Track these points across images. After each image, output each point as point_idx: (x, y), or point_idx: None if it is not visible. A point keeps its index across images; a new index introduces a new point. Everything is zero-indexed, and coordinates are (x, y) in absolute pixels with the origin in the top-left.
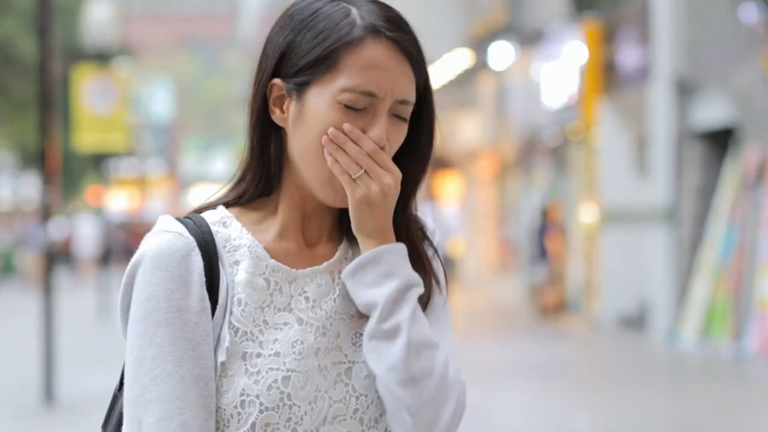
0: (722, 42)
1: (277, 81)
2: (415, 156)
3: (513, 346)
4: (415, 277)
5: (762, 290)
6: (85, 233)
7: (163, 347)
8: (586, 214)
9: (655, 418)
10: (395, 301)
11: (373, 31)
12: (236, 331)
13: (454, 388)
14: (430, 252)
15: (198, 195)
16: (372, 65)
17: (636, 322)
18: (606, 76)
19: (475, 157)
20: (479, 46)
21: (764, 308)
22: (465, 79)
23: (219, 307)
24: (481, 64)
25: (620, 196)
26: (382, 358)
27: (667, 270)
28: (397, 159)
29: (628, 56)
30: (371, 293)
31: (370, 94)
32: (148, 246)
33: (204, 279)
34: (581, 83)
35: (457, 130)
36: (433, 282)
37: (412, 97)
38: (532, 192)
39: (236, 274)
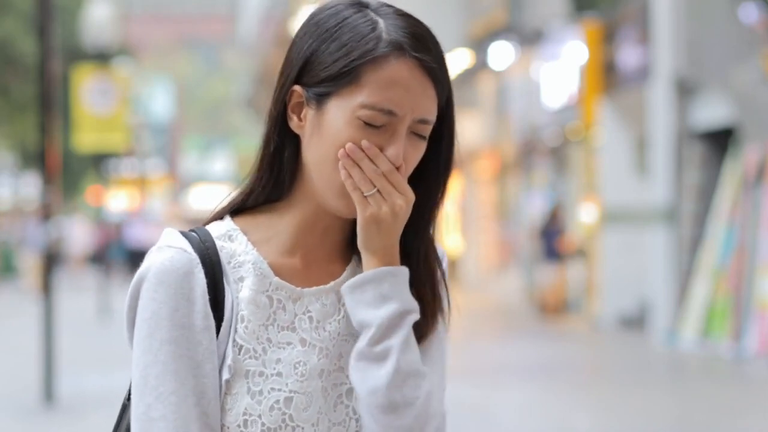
0: (722, 42)
1: (297, 88)
2: (434, 173)
3: (513, 346)
4: (413, 303)
5: (762, 290)
6: (76, 233)
7: (167, 365)
8: (586, 214)
9: (655, 418)
10: (389, 326)
11: (398, 48)
12: (240, 349)
13: (432, 420)
14: (443, 292)
15: (198, 195)
16: (394, 84)
17: (636, 322)
18: (606, 76)
19: (475, 157)
20: (479, 46)
21: (764, 308)
22: (465, 79)
23: (225, 323)
24: (481, 64)
25: (620, 196)
26: (366, 381)
27: (667, 270)
28: (416, 176)
29: (628, 56)
30: (367, 313)
31: (390, 113)
32: (152, 261)
33: (207, 296)
34: (581, 83)
35: (457, 130)
36: (438, 312)
37: (432, 116)
38: (532, 192)
39: (240, 290)
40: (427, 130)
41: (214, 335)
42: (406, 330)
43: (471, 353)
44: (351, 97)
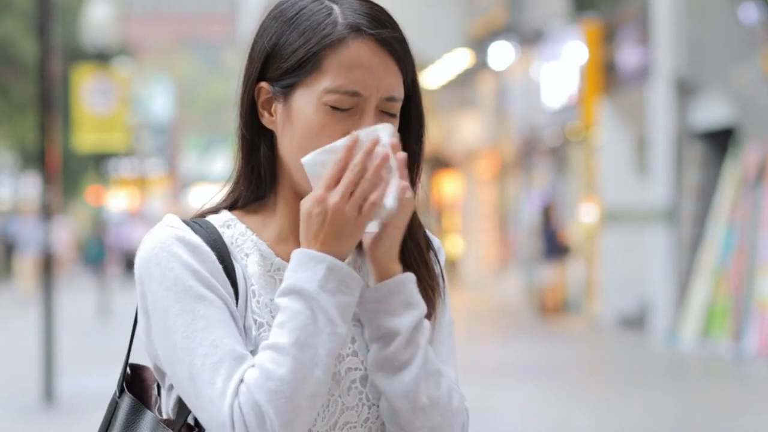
0: (722, 42)
1: (263, 84)
2: (406, 151)
3: (513, 346)
4: (424, 303)
5: (762, 290)
6: (59, 235)
7: (209, 317)
8: (586, 214)
9: (655, 418)
10: (415, 330)
11: (355, 29)
12: (255, 322)
13: (459, 417)
14: (437, 269)
15: (198, 195)
16: (355, 65)
17: (636, 322)
18: (606, 76)
19: (475, 157)
20: (479, 46)
21: (764, 308)
22: (465, 79)
23: (240, 298)
24: (481, 64)
25: (620, 196)
26: (394, 384)
27: (667, 270)
28: None
29: (628, 56)
30: (392, 321)
31: (355, 94)
32: (155, 239)
33: (221, 266)
34: (581, 83)
35: (457, 130)
36: (440, 301)
37: (399, 93)
38: (532, 192)
39: (248, 266)
40: (396, 107)
41: (235, 302)
42: (427, 332)
43: (471, 353)
44: (315, 84)
